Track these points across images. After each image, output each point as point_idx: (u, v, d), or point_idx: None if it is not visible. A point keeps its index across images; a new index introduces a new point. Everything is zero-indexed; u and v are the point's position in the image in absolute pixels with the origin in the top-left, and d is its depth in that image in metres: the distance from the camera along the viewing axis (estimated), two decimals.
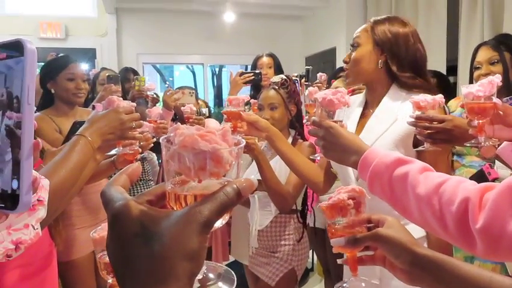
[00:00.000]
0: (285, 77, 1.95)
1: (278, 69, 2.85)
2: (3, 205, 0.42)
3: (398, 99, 1.36)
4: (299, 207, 1.90)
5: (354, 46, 1.41)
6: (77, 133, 1.00)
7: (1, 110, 0.41)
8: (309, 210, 2.13)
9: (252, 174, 1.86)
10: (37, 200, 0.62)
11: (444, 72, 3.51)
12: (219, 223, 0.40)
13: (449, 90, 2.57)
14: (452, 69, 3.62)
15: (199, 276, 0.42)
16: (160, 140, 0.40)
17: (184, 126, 0.39)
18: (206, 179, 0.39)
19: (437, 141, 1.23)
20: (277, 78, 1.95)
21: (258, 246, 1.90)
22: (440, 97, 1.27)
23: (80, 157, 0.94)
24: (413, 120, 1.24)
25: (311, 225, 2.21)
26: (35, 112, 2.14)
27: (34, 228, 0.60)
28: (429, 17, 3.87)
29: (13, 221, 0.58)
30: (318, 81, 2.97)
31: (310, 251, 2.59)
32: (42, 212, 0.62)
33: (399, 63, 1.36)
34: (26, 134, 0.40)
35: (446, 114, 1.35)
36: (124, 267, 0.35)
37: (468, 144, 1.16)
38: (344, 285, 0.79)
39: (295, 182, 1.74)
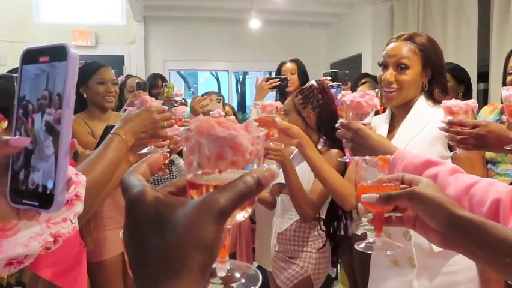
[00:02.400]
0: (312, 83, 1.88)
1: (302, 75, 2.84)
2: (37, 203, 0.42)
3: (427, 107, 1.36)
4: (322, 215, 1.87)
5: (402, 68, 1.34)
6: (111, 132, 1.04)
7: (45, 108, 0.42)
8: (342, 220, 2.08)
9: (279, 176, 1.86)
10: (75, 195, 0.64)
11: (475, 79, 3.42)
12: (240, 216, 0.38)
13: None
14: (483, 75, 3.52)
15: (223, 274, 0.41)
16: (180, 130, 0.39)
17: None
18: (227, 171, 0.37)
19: (469, 146, 1.20)
20: (308, 85, 1.93)
21: (277, 249, 1.89)
22: (472, 102, 1.25)
23: (114, 155, 0.97)
24: (445, 125, 1.21)
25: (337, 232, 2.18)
26: None
27: (72, 222, 0.63)
28: (458, 21, 3.78)
29: (52, 215, 0.61)
30: None
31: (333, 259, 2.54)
32: (79, 207, 0.64)
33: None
34: (64, 136, 0.41)
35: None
36: (137, 255, 0.34)
37: (509, 147, 1.13)
38: (362, 245, 0.76)
39: (320, 191, 1.71)
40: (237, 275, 0.42)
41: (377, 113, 1.68)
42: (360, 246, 0.77)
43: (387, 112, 1.47)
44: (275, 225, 1.89)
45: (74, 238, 1.32)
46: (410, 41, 1.35)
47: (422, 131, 1.31)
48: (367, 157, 0.75)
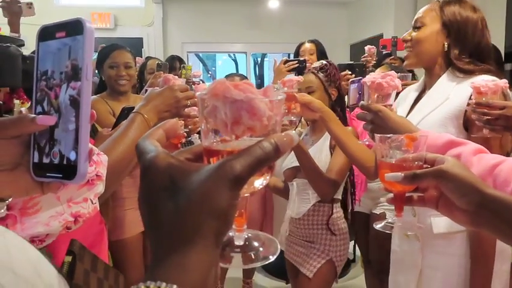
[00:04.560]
0: (326, 62, 1.92)
1: (322, 56, 2.82)
2: (61, 175, 0.43)
3: (453, 81, 1.30)
4: (338, 196, 1.87)
5: (418, 27, 1.33)
6: (133, 111, 1.02)
7: (66, 81, 0.42)
8: (356, 200, 2.09)
9: (291, 161, 1.84)
10: (96, 175, 0.64)
11: (502, 59, 3.30)
12: (258, 183, 0.37)
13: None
14: (511, 55, 3.40)
15: (240, 243, 0.40)
16: (197, 95, 0.37)
17: None
18: (244, 138, 0.36)
19: (496, 127, 1.18)
20: (317, 63, 1.94)
21: (287, 234, 1.89)
22: (503, 82, 1.21)
23: (137, 134, 0.95)
24: (473, 106, 1.18)
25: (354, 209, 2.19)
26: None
27: (92, 203, 0.63)
28: (486, 0, 3.63)
29: (73, 195, 0.61)
30: (366, 54, 2.95)
31: (352, 241, 2.54)
32: (100, 187, 0.65)
33: (462, 48, 1.30)
34: (84, 106, 0.41)
35: (506, 99, 1.27)
36: (151, 221, 0.34)
37: None
38: (380, 225, 0.75)
39: (338, 169, 1.71)
40: (255, 243, 0.41)
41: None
42: (378, 225, 0.76)
43: (421, 80, 1.44)
44: (290, 210, 1.88)
45: (95, 216, 1.34)
46: (439, 3, 1.34)
47: (436, 109, 1.27)
48: (391, 135, 0.73)
